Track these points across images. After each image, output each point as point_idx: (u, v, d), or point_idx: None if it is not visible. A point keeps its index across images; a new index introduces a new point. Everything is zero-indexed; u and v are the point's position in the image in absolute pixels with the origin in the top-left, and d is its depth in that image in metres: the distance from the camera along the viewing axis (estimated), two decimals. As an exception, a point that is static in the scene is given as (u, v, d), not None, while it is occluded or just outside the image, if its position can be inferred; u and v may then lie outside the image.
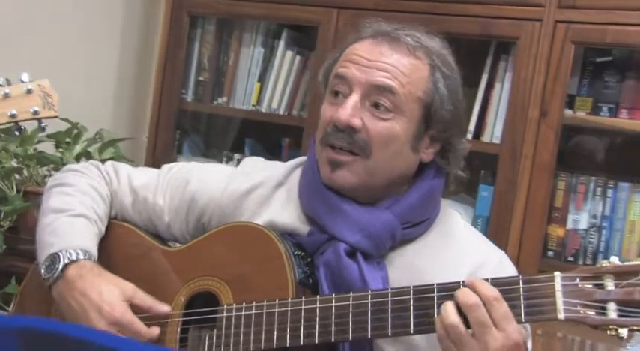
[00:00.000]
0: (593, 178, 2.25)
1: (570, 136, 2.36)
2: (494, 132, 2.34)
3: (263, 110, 2.68)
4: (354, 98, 1.28)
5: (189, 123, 2.91)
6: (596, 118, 2.27)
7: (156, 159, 2.74)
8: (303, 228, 1.34)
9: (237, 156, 2.79)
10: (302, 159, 1.43)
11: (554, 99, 2.20)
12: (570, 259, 2.25)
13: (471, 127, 2.37)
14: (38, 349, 0.61)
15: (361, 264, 1.25)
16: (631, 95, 2.24)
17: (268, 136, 2.81)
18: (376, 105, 1.28)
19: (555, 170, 2.23)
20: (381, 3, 2.43)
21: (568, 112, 2.26)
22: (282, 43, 2.67)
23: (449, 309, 1.10)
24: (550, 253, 2.26)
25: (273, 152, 2.73)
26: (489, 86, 2.37)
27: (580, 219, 2.25)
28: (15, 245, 1.94)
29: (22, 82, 1.45)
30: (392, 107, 1.28)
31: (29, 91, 1.43)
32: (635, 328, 1.03)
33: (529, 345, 1.26)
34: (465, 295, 1.10)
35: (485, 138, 2.36)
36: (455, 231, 1.37)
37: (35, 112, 1.43)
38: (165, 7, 2.80)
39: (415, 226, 1.32)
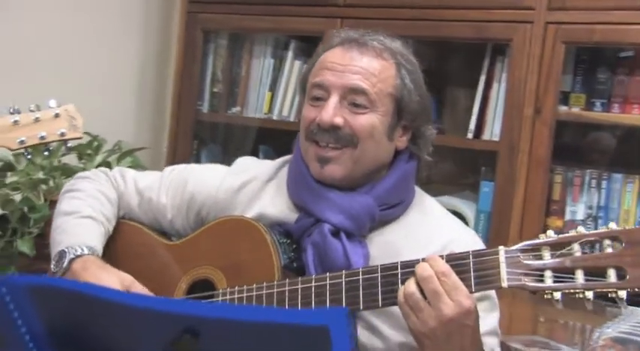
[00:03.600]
0: (588, 170, 2.37)
1: (566, 131, 2.48)
2: (493, 130, 2.47)
3: (274, 118, 2.83)
4: (334, 100, 1.43)
5: (206, 133, 3.06)
6: (589, 113, 2.38)
7: (176, 168, 2.89)
8: (292, 216, 1.49)
9: (252, 162, 2.94)
10: (289, 157, 1.59)
11: (547, 96, 2.32)
12: (569, 248, 2.36)
13: (472, 126, 2.50)
14: (46, 301, 0.76)
15: (344, 242, 1.41)
16: (622, 90, 2.36)
17: (280, 142, 2.94)
18: (353, 104, 1.43)
19: (552, 164, 2.35)
20: (381, 12, 2.56)
21: (563, 108, 2.38)
22: (290, 54, 2.82)
23: (409, 281, 1.24)
24: (550, 243, 2.37)
25: (286, 157, 2.87)
26: (487, 87, 2.50)
27: (577, 210, 2.37)
28: (43, 250, 2.01)
29: (50, 107, 1.61)
30: (367, 104, 1.43)
31: (57, 116, 1.59)
32: (566, 291, 1.17)
33: (495, 317, 1.41)
34: (420, 268, 1.24)
35: (486, 136, 2.48)
36: (429, 212, 1.53)
37: (62, 134, 1.59)
38: (180, 24, 2.95)
39: (392, 207, 1.47)
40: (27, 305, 0.77)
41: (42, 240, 2.09)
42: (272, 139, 2.96)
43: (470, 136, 2.51)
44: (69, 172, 2.09)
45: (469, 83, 2.59)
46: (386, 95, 1.45)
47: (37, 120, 1.58)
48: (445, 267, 1.23)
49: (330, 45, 1.51)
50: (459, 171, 2.75)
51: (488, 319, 1.39)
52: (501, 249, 1.22)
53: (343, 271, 1.32)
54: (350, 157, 1.44)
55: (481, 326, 1.30)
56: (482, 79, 2.50)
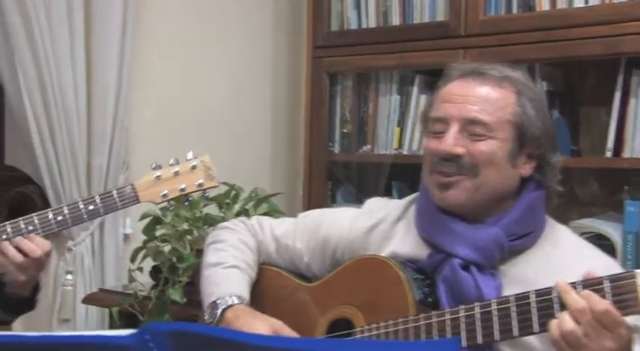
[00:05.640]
0: None
1: None
2: (634, 146, 2.36)
3: (405, 153, 2.84)
4: (453, 130, 1.46)
5: (340, 173, 3.11)
6: None
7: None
8: (423, 252, 1.50)
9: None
10: (415, 195, 1.61)
11: (690, 107, 2.20)
12: None
13: (610, 144, 2.40)
14: (185, 346, 0.80)
15: (475, 275, 1.40)
16: None
17: (413, 176, 2.94)
18: (473, 134, 1.45)
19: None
20: (504, 38, 2.53)
21: None
22: (415, 89, 2.83)
23: (564, 317, 1.21)
24: None
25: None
26: (624, 103, 2.40)
27: None
28: (193, 297, 2.10)
29: (188, 160, 1.71)
30: (486, 132, 1.45)
31: (194, 168, 1.69)
32: None
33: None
34: (574, 302, 1.21)
35: (626, 153, 2.38)
36: (562, 242, 1.49)
37: (200, 185, 1.69)
38: (306, 70, 3.04)
39: (522, 237, 1.45)
40: (169, 350, 0.82)
41: (191, 287, 2.18)
42: (404, 175, 2.97)
43: (609, 154, 2.41)
44: (211, 221, 2.20)
45: (603, 101, 2.50)
46: (505, 122, 1.45)
47: (176, 173, 1.69)
48: (603, 304, 1.20)
49: (449, 78, 1.53)
50: (600, 192, 2.65)
51: None
52: (637, 272, 1.19)
53: (476, 303, 1.31)
54: (471, 184, 1.44)
55: None
56: (618, 95, 2.41)
